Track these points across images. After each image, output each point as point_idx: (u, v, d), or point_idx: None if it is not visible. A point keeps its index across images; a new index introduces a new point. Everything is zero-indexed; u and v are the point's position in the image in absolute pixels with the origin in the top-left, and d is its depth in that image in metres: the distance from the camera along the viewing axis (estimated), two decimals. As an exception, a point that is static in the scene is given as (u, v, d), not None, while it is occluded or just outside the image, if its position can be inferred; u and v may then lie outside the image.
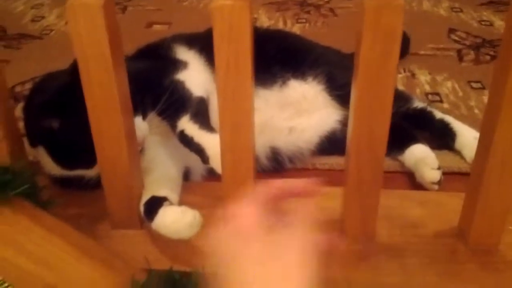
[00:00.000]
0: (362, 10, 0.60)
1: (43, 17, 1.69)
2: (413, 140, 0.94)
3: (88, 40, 0.63)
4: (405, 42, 1.28)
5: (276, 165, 0.95)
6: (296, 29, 1.55)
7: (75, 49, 0.65)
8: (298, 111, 0.97)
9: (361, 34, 0.60)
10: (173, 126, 0.83)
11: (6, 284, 0.64)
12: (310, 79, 0.99)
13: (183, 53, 0.97)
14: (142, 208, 0.77)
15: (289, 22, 1.60)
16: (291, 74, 0.98)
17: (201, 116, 0.82)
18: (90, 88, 0.67)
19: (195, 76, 0.91)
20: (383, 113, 0.64)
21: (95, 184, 0.81)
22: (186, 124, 0.81)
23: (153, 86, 0.83)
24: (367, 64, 0.61)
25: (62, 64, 1.46)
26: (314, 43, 1.10)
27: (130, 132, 0.74)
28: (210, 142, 0.77)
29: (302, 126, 0.96)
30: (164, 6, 1.75)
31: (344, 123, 0.97)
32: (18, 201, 0.64)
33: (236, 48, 0.62)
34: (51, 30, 1.59)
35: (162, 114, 0.83)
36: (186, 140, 0.80)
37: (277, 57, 0.98)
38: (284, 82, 0.97)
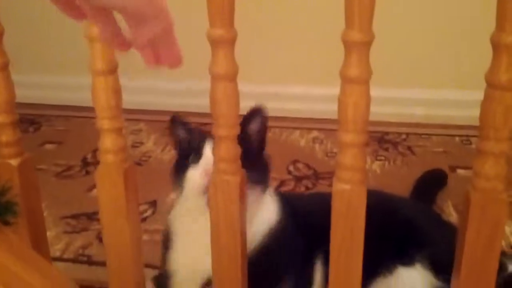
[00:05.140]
0: (467, 201, 0.68)
1: (141, 143, 1.87)
2: None
3: (224, 210, 0.74)
4: (443, 177, 1.46)
5: None
6: (376, 166, 1.64)
7: (211, 214, 0.76)
8: None
9: (466, 222, 0.68)
10: None
11: None
12: (418, 264, 0.95)
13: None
14: None
15: (368, 159, 1.69)
16: (398, 260, 0.96)
17: None
18: (218, 248, 0.77)
19: None
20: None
21: None
22: None
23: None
24: (472, 251, 0.68)
25: (161, 192, 1.60)
26: (411, 206, 1.12)
27: None
28: None
29: None
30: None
31: None
32: None
33: (352, 225, 0.71)
34: (150, 157, 1.76)
35: None
36: None
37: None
38: (389, 271, 0.96)
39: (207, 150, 0.85)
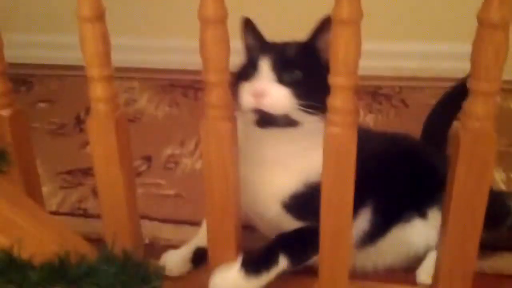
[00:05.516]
0: (457, 140, 0.69)
1: (135, 101, 1.86)
2: None
3: (216, 157, 0.75)
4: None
5: None
6: (368, 119, 1.64)
7: (204, 161, 0.76)
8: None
9: (456, 162, 0.68)
10: None
11: None
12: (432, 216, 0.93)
13: None
14: None
15: (361, 112, 1.69)
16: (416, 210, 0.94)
17: None
18: (211, 193, 0.78)
19: None
20: (475, 232, 0.71)
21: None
22: None
23: None
24: (462, 190, 0.69)
25: (156, 147, 1.60)
26: (433, 154, 1.06)
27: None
28: None
29: None
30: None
31: None
32: None
33: (343, 167, 0.71)
34: (143, 114, 1.75)
35: None
36: None
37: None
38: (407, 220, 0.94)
39: (263, 68, 0.79)
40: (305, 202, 0.83)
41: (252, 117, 0.80)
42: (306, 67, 0.79)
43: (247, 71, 0.81)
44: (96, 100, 0.76)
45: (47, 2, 2.17)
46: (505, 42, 0.63)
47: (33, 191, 0.88)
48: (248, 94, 0.78)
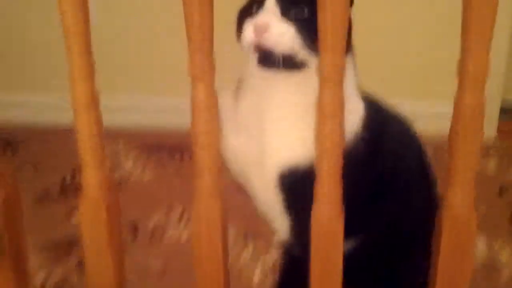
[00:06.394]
0: (438, 226, 0.72)
1: (119, 163, 1.85)
2: None
3: (207, 238, 0.77)
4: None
5: None
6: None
7: (194, 242, 0.78)
8: None
9: (438, 247, 0.72)
10: None
11: None
12: None
13: None
14: None
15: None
16: None
17: None
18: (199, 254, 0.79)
19: None
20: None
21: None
22: None
23: None
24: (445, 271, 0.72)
25: (142, 212, 1.58)
26: None
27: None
28: None
29: None
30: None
31: None
32: None
33: (329, 252, 0.73)
34: (128, 178, 1.75)
35: None
36: None
37: None
38: None
39: (267, 2, 0.74)
40: (304, 185, 0.74)
41: (254, 57, 0.76)
42: (316, 6, 0.70)
43: (252, 7, 0.77)
44: (88, 186, 0.77)
45: (24, 62, 2.16)
46: (480, 128, 0.68)
47: (20, 275, 0.87)
48: (249, 29, 0.74)
